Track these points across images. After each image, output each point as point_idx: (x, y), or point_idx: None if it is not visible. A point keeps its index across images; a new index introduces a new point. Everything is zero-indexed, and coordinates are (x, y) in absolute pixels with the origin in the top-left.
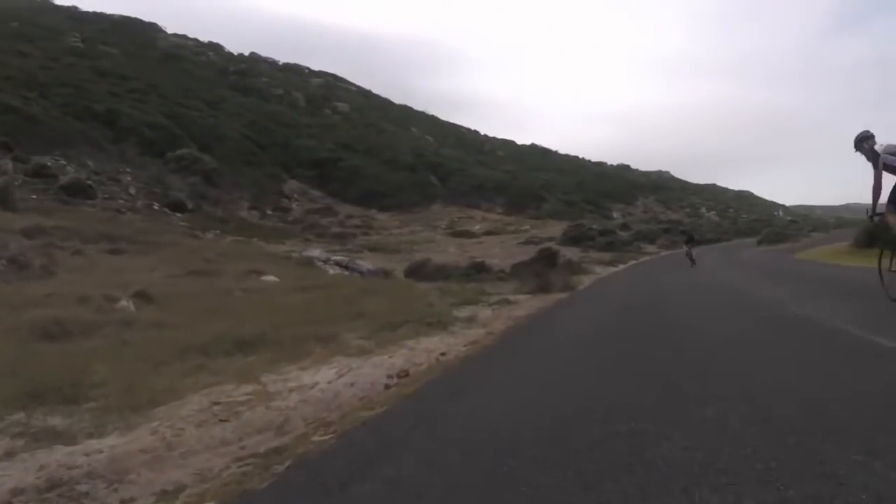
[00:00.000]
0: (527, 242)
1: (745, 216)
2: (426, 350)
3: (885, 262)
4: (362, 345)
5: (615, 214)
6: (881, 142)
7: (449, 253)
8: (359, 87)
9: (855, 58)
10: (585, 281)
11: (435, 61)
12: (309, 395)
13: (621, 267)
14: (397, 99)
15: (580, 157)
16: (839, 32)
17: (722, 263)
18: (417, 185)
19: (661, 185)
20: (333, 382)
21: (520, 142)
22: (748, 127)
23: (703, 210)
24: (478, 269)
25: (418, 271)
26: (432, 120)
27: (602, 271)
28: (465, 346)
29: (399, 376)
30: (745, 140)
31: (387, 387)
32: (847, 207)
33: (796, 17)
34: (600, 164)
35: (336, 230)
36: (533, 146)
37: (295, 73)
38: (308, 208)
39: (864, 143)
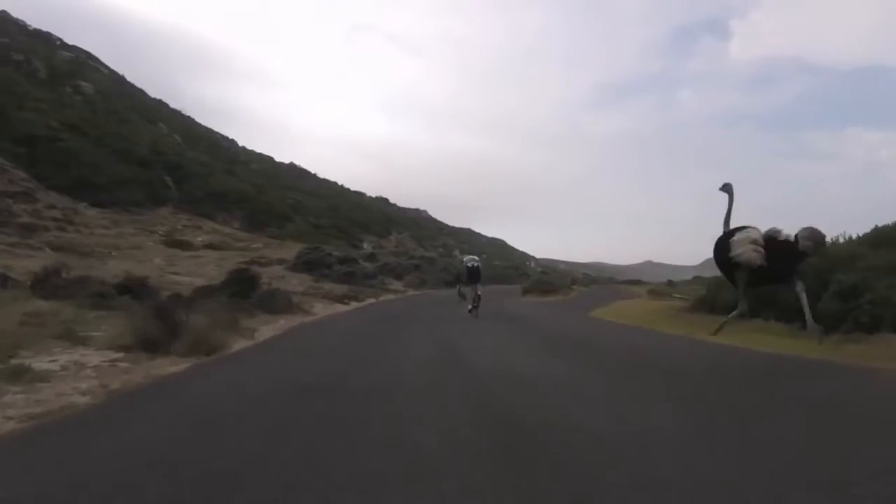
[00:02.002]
0: (251, 263)
1: (497, 262)
2: None
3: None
4: None
5: (366, 245)
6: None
7: (150, 265)
8: (113, 71)
9: (608, 131)
10: (270, 328)
11: (206, 65)
12: None
13: (353, 306)
14: (155, 93)
15: (339, 183)
16: (598, 107)
17: (500, 327)
18: (147, 183)
19: (417, 223)
20: None
21: (279, 159)
22: (504, 180)
23: (457, 252)
24: (127, 290)
25: (48, 283)
26: (187, 121)
27: (321, 310)
28: None
29: None
30: (501, 191)
31: None
32: (591, 266)
33: (560, 87)
34: (359, 194)
35: (26, 220)
36: (291, 165)
37: (44, 41)
38: (2, 190)
39: (474, 258)
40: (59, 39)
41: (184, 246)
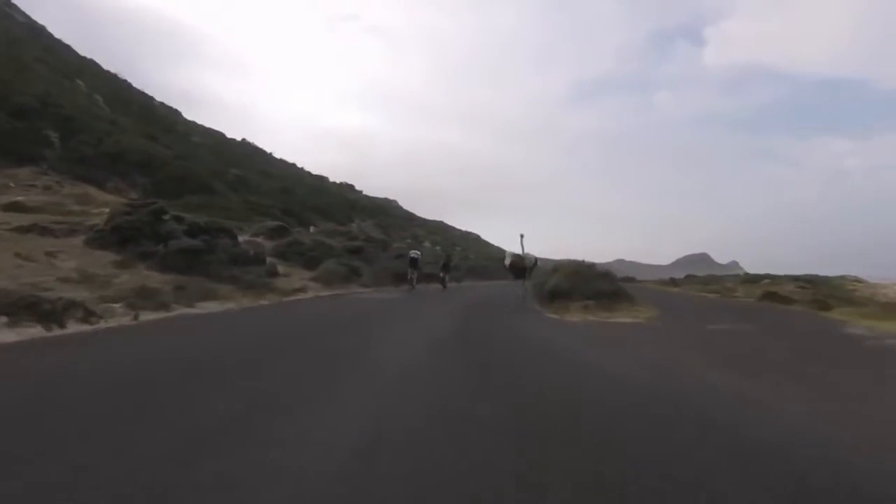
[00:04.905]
0: (30, 228)
1: (472, 256)
2: None
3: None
4: None
5: (311, 229)
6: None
7: None
8: (31, 20)
9: (582, 129)
10: None
11: (177, 50)
12: None
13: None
14: (87, 53)
15: (298, 165)
16: (573, 105)
17: None
18: (14, 134)
19: (385, 212)
20: None
21: (230, 135)
22: (478, 174)
23: (428, 243)
24: None
25: None
26: (120, 84)
27: None
28: None
29: None
30: (474, 186)
31: None
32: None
33: (535, 84)
34: (321, 179)
35: None
36: (244, 142)
37: None
38: None
39: (416, 251)
40: None
41: (14, 208)
